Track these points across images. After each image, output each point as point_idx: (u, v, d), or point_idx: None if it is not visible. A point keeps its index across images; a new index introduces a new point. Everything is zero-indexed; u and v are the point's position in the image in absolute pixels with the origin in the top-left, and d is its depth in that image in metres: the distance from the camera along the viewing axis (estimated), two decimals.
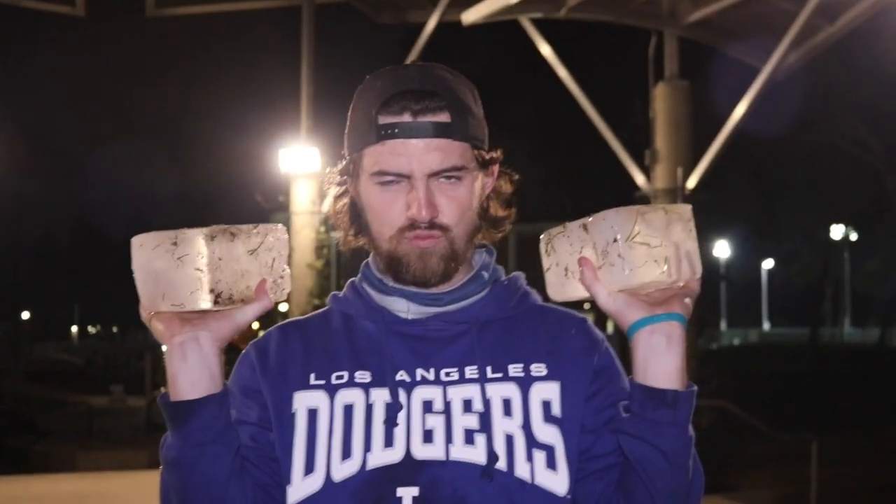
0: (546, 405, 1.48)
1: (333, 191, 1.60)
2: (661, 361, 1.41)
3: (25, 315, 55.72)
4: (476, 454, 1.44)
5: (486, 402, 1.46)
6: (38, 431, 20.69)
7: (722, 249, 40.96)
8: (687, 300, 1.43)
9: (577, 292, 1.46)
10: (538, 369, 1.50)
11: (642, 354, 1.41)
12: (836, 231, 33.09)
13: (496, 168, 1.58)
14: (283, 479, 1.47)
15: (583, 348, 1.55)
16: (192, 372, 1.39)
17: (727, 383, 11.76)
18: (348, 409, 1.47)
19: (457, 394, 1.47)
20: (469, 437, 1.44)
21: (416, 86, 1.47)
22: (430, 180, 1.46)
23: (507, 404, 1.47)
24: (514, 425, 1.46)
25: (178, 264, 1.38)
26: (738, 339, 47.46)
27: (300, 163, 13.14)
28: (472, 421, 1.45)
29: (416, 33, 13.22)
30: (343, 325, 1.57)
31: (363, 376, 1.49)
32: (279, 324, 1.61)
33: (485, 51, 23.16)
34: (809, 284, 33.15)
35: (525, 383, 1.49)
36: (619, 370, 1.56)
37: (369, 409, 1.47)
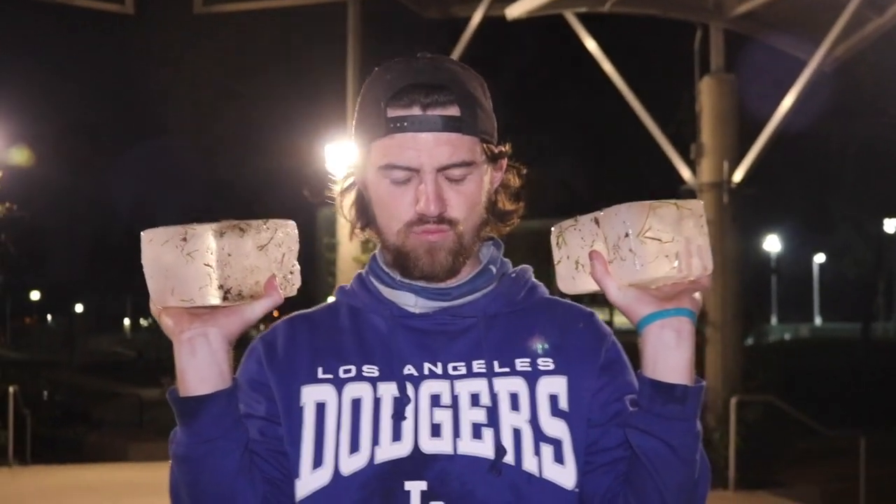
0: (553, 399, 1.49)
1: (341, 183, 1.62)
2: (670, 356, 1.40)
3: (79, 308, 56.50)
4: (484, 448, 1.44)
5: (494, 397, 1.46)
6: (91, 422, 21.00)
7: (772, 243, 40.59)
8: (696, 295, 1.43)
9: (588, 286, 1.46)
10: (545, 363, 1.51)
11: (652, 349, 1.41)
12: (890, 224, 32.64)
13: (504, 162, 1.59)
14: (292, 472, 1.48)
15: (590, 342, 1.56)
16: (200, 368, 1.40)
17: (776, 379, 11.66)
18: (356, 403, 1.47)
19: (464, 388, 1.47)
20: (477, 432, 1.44)
21: (426, 79, 1.46)
22: (439, 174, 1.46)
23: (514, 398, 1.47)
24: (521, 419, 1.46)
25: (187, 260, 1.38)
26: (789, 334, 46.96)
27: (346, 158, 13.19)
28: (480, 415, 1.45)
29: (461, 28, 13.24)
30: (350, 319, 1.57)
31: (371, 370, 1.50)
32: (286, 317, 1.61)
33: (529, 46, 23.10)
34: (862, 279, 32.76)
35: (532, 377, 1.49)
36: (625, 364, 1.58)
37: (377, 402, 1.47)
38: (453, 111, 1.45)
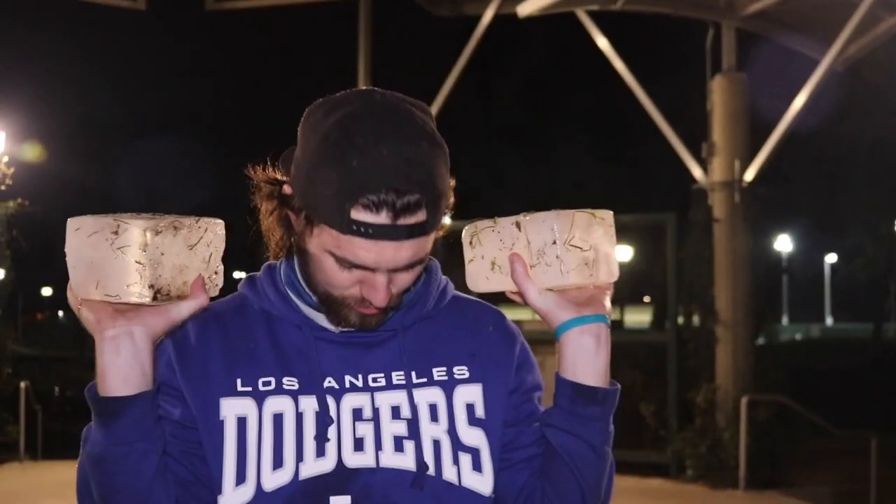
0: (470, 408, 1.51)
1: (267, 190, 1.50)
2: (590, 361, 1.47)
3: None
4: (405, 461, 1.45)
5: (414, 409, 1.48)
6: None
7: (784, 243, 40.49)
8: (607, 300, 1.49)
9: (501, 286, 1.50)
10: (461, 372, 1.52)
11: (572, 354, 1.47)
12: None
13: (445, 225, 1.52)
14: (214, 486, 1.44)
15: (502, 345, 1.58)
16: (124, 368, 1.37)
17: (787, 378, 11.62)
18: (278, 418, 1.45)
19: (385, 400, 1.48)
20: (398, 444, 1.46)
21: (400, 182, 1.34)
22: (394, 274, 1.42)
23: (433, 409, 1.49)
24: (440, 430, 1.48)
25: (116, 254, 1.34)
26: (800, 334, 46.87)
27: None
28: (401, 428, 1.47)
29: (472, 26, 13.23)
30: (265, 324, 1.52)
31: (291, 383, 1.47)
32: (194, 315, 1.47)
33: (541, 43, 23.09)
34: (873, 279, 32.64)
35: (449, 387, 1.51)
36: (533, 363, 1.60)
37: (299, 417, 1.45)
38: (421, 216, 1.37)
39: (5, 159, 12.94)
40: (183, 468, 1.46)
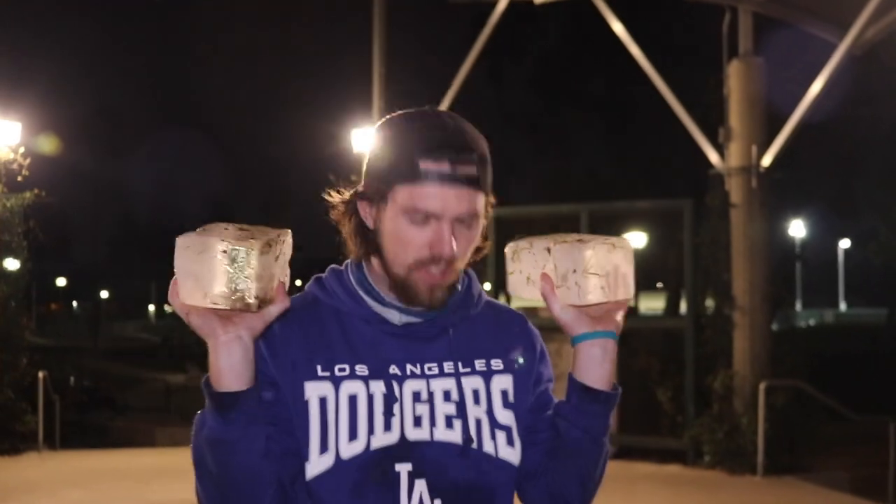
0: (504, 394, 1.84)
1: (341, 204, 1.83)
2: (597, 369, 1.79)
3: (104, 295, 56.83)
4: (454, 436, 1.77)
5: (461, 393, 1.79)
6: (116, 408, 21.16)
7: (797, 229, 40.36)
8: (619, 317, 1.79)
9: (532, 296, 1.80)
10: (496, 364, 1.86)
11: (583, 361, 1.79)
12: None
13: (489, 218, 1.84)
14: (301, 456, 1.72)
15: (527, 344, 1.92)
16: (237, 367, 1.60)
17: (803, 364, 11.59)
18: (353, 399, 1.74)
19: (438, 386, 1.78)
20: (449, 422, 1.77)
21: (455, 139, 1.72)
22: (454, 221, 1.72)
23: (476, 394, 1.81)
24: (481, 411, 1.80)
25: (226, 271, 1.53)
26: (815, 319, 46.76)
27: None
28: (451, 409, 1.78)
29: (486, 13, 13.21)
30: (336, 320, 1.81)
31: (362, 370, 1.76)
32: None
33: (556, 29, 23.02)
34: (887, 264, 32.51)
35: (487, 376, 1.84)
36: (547, 355, 1.96)
37: (370, 398, 1.74)
38: (473, 170, 1.71)
39: (21, 150, 12.97)
40: (274, 444, 1.69)
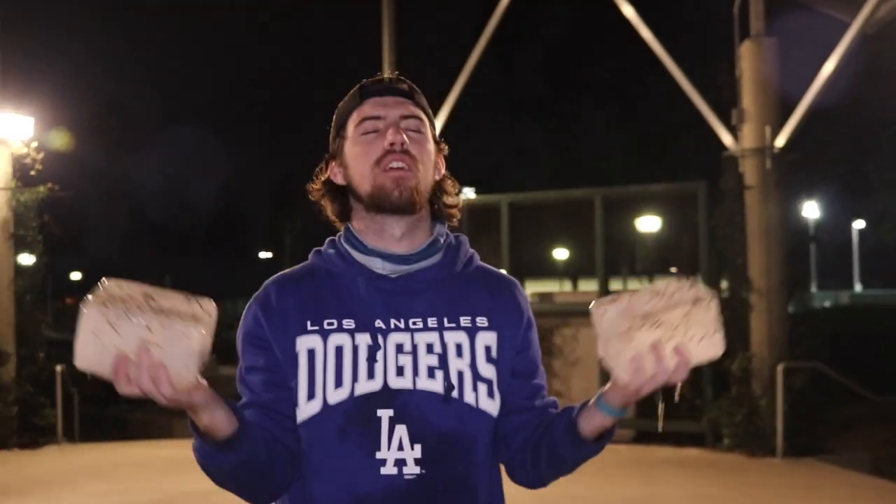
0: (487, 349, 1.93)
1: (318, 185, 2.05)
2: (598, 429, 1.88)
3: None
4: (435, 385, 1.87)
5: (444, 346, 1.90)
6: (135, 400, 21.21)
7: (811, 210, 40.20)
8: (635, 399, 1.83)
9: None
10: (482, 321, 1.95)
11: (593, 421, 1.87)
12: None
13: (443, 153, 2.03)
14: (292, 402, 1.90)
15: (515, 306, 2.02)
16: (221, 418, 1.77)
17: (820, 345, 11.55)
18: (339, 350, 1.88)
19: (421, 339, 1.90)
20: (431, 373, 1.88)
21: (387, 76, 2.01)
22: (400, 123, 1.93)
23: (459, 348, 1.91)
24: (464, 364, 1.90)
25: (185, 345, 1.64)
26: (830, 301, 46.59)
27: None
28: (433, 360, 1.89)
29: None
30: (329, 281, 1.97)
31: (349, 323, 1.90)
32: (275, 279, 2.00)
33: (566, 14, 22.94)
34: None
35: (472, 332, 1.93)
36: (534, 322, 2.04)
37: (355, 349, 1.88)
38: (406, 87, 2.00)
39: (34, 145, 12.99)
40: (273, 442, 1.88)
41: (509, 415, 1.96)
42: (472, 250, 2.04)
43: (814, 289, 49.51)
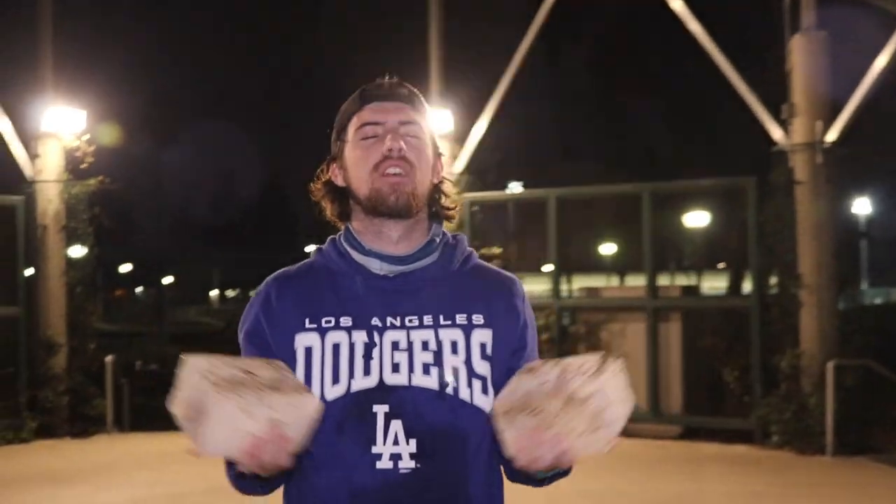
0: (482, 346, 1.97)
1: (319, 186, 2.10)
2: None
3: (168, 280, 57.51)
4: (431, 382, 1.92)
5: (439, 344, 1.94)
6: None
7: (863, 206, 39.69)
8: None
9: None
10: (478, 319, 1.99)
11: (518, 473, 1.92)
12: None
13: (442, 160, 2.09)
14: None
15: (511, 305, 2.05)
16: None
17: (873, 343, 11.41)
18: (336, 347, 1.94)
19: (417, 336, 1.94)
20: (426, 370, 1.92)
21: (388, 81, 2.05)
22: (399, 129, 1.97)
23: (454, 345, 1.95)
24: (459, 361, 1.94)
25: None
26: (881, 298, 45.95)
27: (432, 125, 13.19)
28: (429, 357, 1.93)
29: None
30: (328, 279, 2.02)
31: (346, 321, 1.95)
32: (276, 276, 2.06)
33: (614, 7, 22.81)
34: None
35: (468, 329, 1.97)
36: (531, 321, 2.10)
37: (352, 346, 1.93)
38: (405, 92, 2.03)
39: (86, 138, 13.15)
40: None
41: None
42: (469, 249, 2.09)
43: (865, 286, 48.87)
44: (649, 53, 23.14)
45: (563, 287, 15.27)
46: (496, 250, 13.19)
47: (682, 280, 29.76)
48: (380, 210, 1.96)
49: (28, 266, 12.88)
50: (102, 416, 12.78)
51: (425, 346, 1.93)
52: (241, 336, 2.04)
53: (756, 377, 11.39)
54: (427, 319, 1.95)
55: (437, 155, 2.07)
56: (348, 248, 2.03)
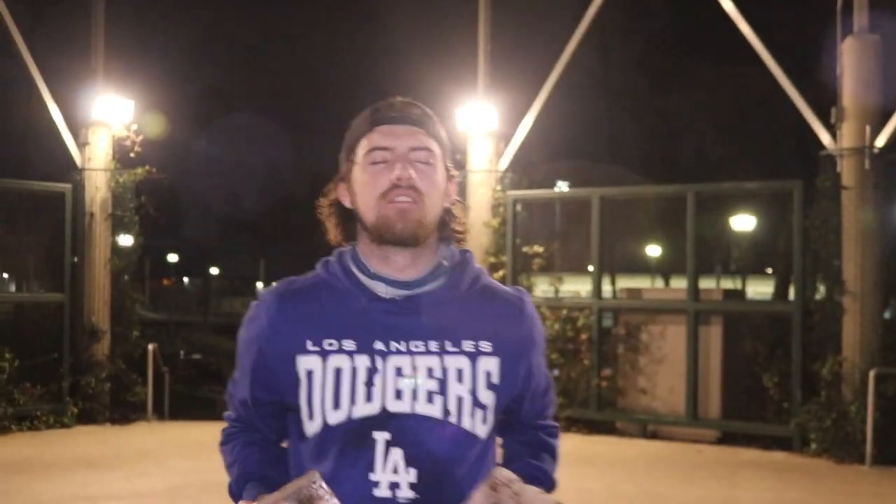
0: (488, 375, 1.95)
1: (326, 204, 2.06)
2: None
3: (214, 271, 58.04)
4: (434, 410, 1.90)
5: (444, 371, 1.91)
6: (224, 382, 21.61)
7: None
8: None
9: None
10: (485, 346, 1.95)
11: None
12: None
13: (455, 182, 2.03)
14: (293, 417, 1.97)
15: (519, 327, 2.03)
16: None
17: None
18: (338, 372, 1.91)
19: (422, 363, 1.91)
20: (429, 398, 1.90)
21: (402, 100, 1.99)
22: (409, 155, 1.92)
23: (459, 373, 1.92)
24: (464, 390, 1.92)
25: None
26: None
27: (477, 121, 13.19)
28: (433, 385, 1.90)
29: None
30: (332, 297, 1.97)
31: (349, 345, 1.92)
32: (280, 290, 2.02)
33: (664, 8, 22.69)
34: None
35: (474, 357, 1.94)
36: (540, 341, 2.08)
37: (354, 372, 1.90)
38: (420, 114, 1.97)
39: (134, 128, 13.28)
40: (277, 416, 2.02)
41: (512, 431, 2.08)
42: (477, 268, 2.05)
43: None
44: (700, 54, 22.99)
45: (608, 288, 15.21)
46: (538, 248, 13.17)
47: (729, 284, 29.49)
48: (386, 237, 1.92)
49: (74, 253, 13.03)
50: (143, 403, 12.92)
51: (430, 373, 1.90)
52: (240, 342, 2.04)
53: (796, 383, 11.26)
54: (433, 345, 1.92)
55: (450, 178, 2.01)
56: (354, 269, 1.99)
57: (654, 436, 12.10)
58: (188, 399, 16.44)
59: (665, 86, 23.96)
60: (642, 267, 31.90)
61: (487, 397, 1.94)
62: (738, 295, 15.83)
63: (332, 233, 2.05)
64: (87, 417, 12.55)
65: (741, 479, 9.79)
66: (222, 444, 2.10)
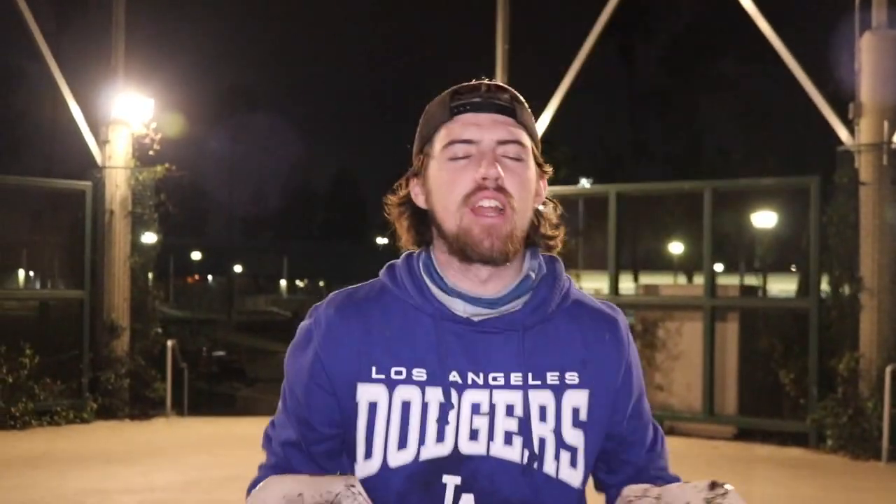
0: (575, 411, 1.69)
1: (396, 202, 1.77)
2: None
3: (238, 269, 58.31)
4: (513, 453, 1.64)
5: (527, 409, 1.66)
6: (246, 379, 21.72)
7: None
8: None
9: None
10: (571, 378, 1.69)
11: None
12: None
13: (545, 184, 1.74)
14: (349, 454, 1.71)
15: (610, 351, 1.74)
16: None
17: None
18: (406, 405, 1.65)
19: (501, 398, 1.65)
20: (508, 439, 1.64)
21: (486, 84, 1.69)
22: (496, 149, 1.64)
23: (542, 411, 1.66)
24: (547, 429, 1.66)
25: None
26: None
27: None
28: (513, 424, 1.65)
29: None
30: (402, 314, 1.70)
31: (420, 374, 1.65)
32: (338, 303, 1.72)
33: (685, 6, 22.65)
34: None
35: (559, 391, 1.68)
36: (635, 362, 1.79)
37: (425, 406, 1.65)
38: (507, 100, 1.67)
39: (154, 126, 13.38)
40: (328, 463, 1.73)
41: (615, 472, 1.83)
42: (568, 279, 1.77)
43: None
44: (720, 52, 22.94)
45: (629, 285, 15.19)
46: None
47: (753, 281, 29.39)
48: (468, 255, 1.64)
49: (94, 251, 13.14)
50: (162, 399, 13.01)
51: (510, 410, 1.65)
52: (290, 367, 1.75)
53: (813, 380, 11.24)
54: (515, 378, 1.65)
55: (542, 174, 1.72)
56: (427, 281, 1.70)
57: (670, 432, 12.08)
58: (209, 396, 16.56)
59: (688, 83, 23.91)
60: (665, 264, 31.84)
61: (574, 437, 1.68)
62: (753, 291, 15.79)
63: (405, 237, 1.76)
64: (107, 413, 12.65)
65: (756, 476, 9.77)
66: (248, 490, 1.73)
